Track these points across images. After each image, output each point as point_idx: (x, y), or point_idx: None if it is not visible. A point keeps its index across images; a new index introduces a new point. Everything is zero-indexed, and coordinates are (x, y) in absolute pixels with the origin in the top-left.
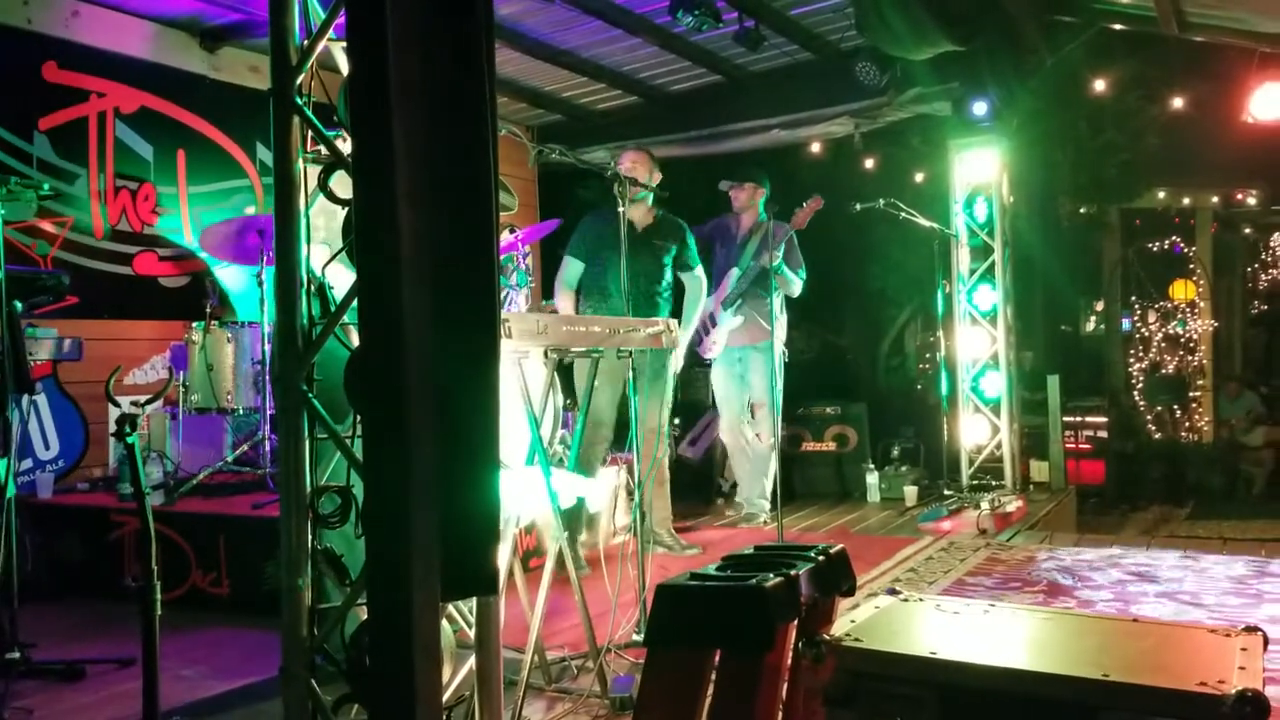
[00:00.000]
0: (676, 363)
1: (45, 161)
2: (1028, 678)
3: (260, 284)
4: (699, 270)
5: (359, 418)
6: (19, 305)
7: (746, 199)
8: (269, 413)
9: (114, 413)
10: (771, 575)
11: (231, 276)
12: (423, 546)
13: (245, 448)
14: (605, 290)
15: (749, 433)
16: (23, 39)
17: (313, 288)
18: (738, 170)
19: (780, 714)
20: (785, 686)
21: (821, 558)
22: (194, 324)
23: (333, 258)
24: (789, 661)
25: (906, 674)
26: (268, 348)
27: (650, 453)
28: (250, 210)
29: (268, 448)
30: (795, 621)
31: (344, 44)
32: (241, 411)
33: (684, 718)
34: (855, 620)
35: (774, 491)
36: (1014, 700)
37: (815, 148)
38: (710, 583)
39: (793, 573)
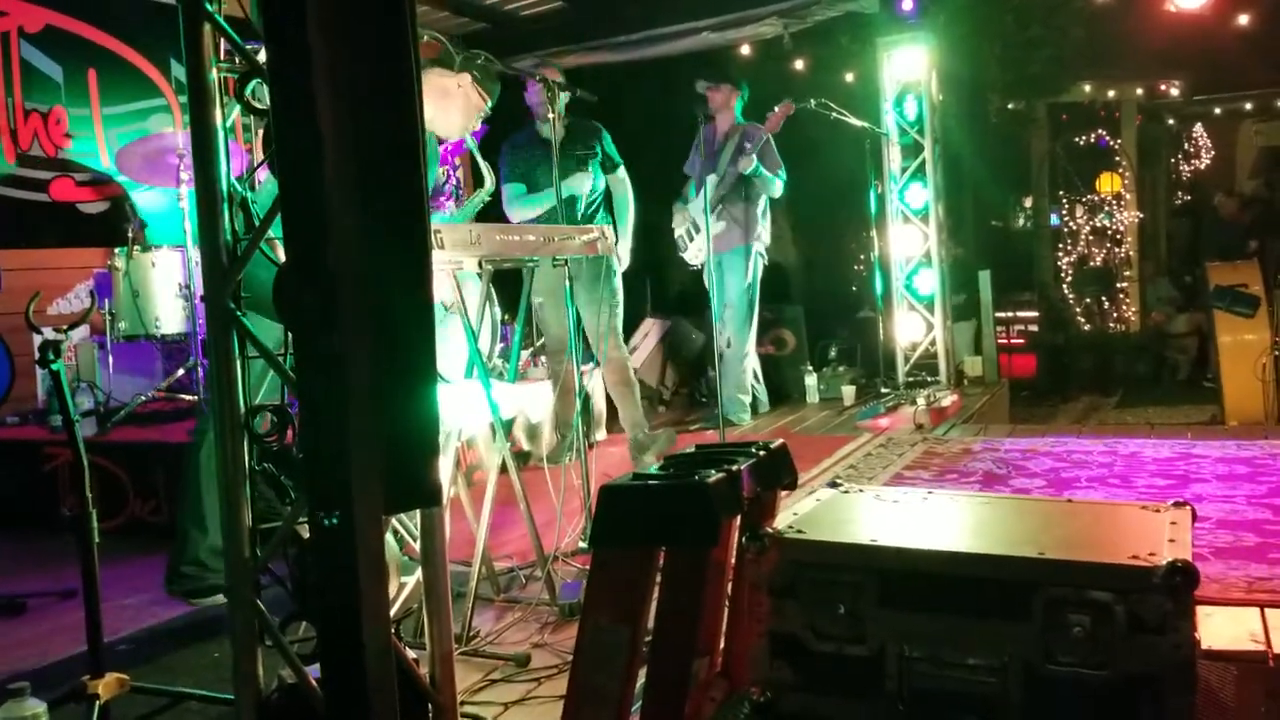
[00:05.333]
0: (621, 266)
1: None
2: (965, 559)
3: (182, 205)
4: (622, 171)
5: (290, 335)
6: None
7: (723, 100)
8: (200, 338)
9: (37, 341)
10: (714, 471)
11: (152, 199)
12: (362, 461)
13: (178, 374)
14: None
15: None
16: None
17: (235, 203)
18: (714, 70)
19: (726, 607)
20: (730, 580)
21: (763, 453)
22: (117, 250)
23: (254, 168)
24: (733, 556)
25: (847, 561)
26: (196, 271)
27: (614, 358)
28: (168, 130)
29: (200, 373)
30: (738, 516)
31: None
32: (171, 336)
33: (631, 615)
34: (797, 513)
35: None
36: (952, 582)
37: (745, 50)
38: (653, 481)
39: (734, 468)
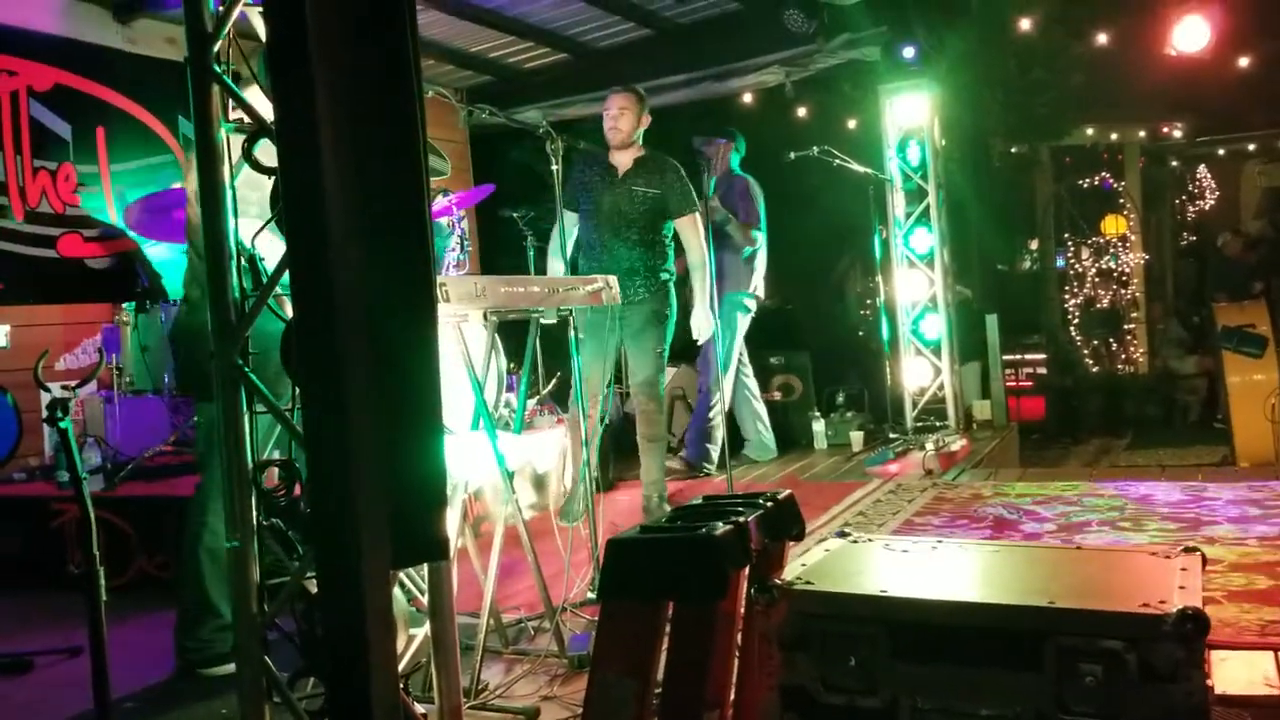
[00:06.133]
0: (699, 328)
1: None
2: (976, 609)
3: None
4: (689, 218)
5: (298, 390)
6: None
7: (719, 154)
8: None
9: (45, 398)
10: (721, 523)
11: (162, 254)
12: (369, 515)
13: (185, 427)
14: (593, 243)
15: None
16: None
17: (243, 260)
18: (707, 125)
19: (735, 660)
20: (739, 633)
21: (770, 504)
22: (125, 305)
23: (262, 227)
24: (742, 608)
25: (857, 613)
26: None
27: (647, 410)
28: (175, 185)
29: None
30: (747, 568)
31: (260, 9)
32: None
33: (641, 668)
34: (805, 564)
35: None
36: (964, 632)
37: (747, 98)
38: (660, 535)
39: (742, 520)
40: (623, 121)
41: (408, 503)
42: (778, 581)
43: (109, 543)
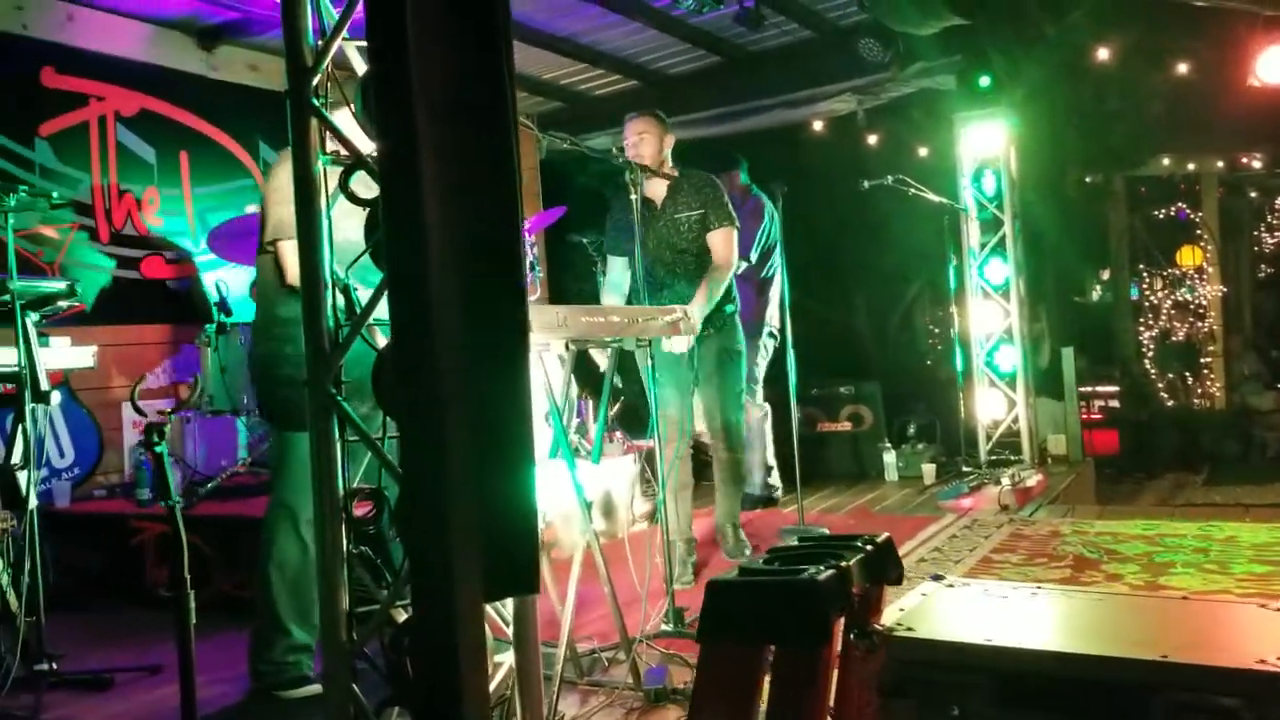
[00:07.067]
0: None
1: (47, 168)
2: (1085, 661)
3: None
4: (724, 231)
5: (388, 418)
6: (34, 317)
7: (732, 182)
8: None
9: (125, 416)
10: (822, 567)
11: (235, 277)
12: (463, 549)
13: (263, 449)
14: (650, 284)
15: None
16: (19, 45)
17: (337, 289)
18: (722, 161)
19: (830, 705)
20: (835, 677)
21: (869, 547)
22: (205, 326)
23: (358, 258)
24: (838, 652)
25: (962, 661)
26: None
27: (725, 459)
28: (251, 209)
29: None
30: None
31: (358, 44)
32: (257, 414)
33: (741, 713)
34: (903, 609)
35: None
36: (1071, 684)
37: (817, 125)
38: (761, 577)
39: (843, 564)
40: (644, 148)
41: (500, 536)
42: (878, 627)
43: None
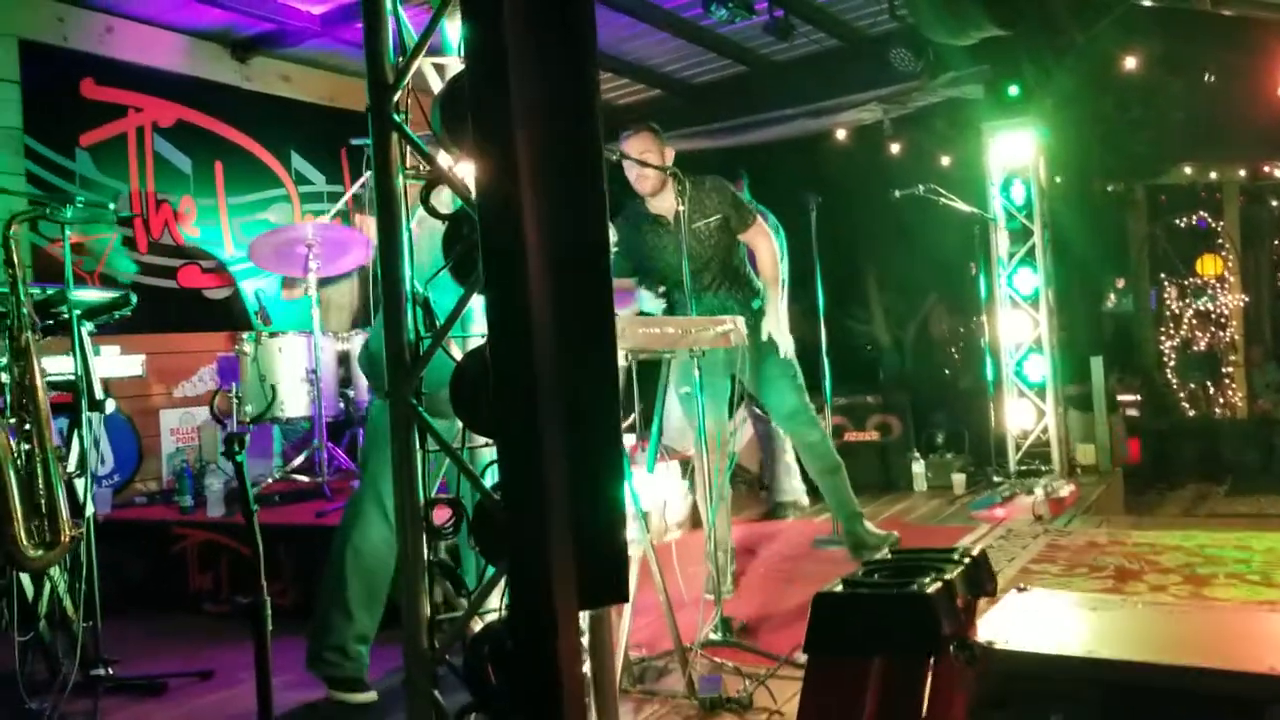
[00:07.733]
0: (785, 345)
1: (87, 178)
2: (1193, 674)
3: (309, 294)
4: (756, 226)
5: (465, 428)
6: (89, 326)
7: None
8: (323, 421)
9: (163, 423)
10: (929, 579)
11: (271, 286)
12: (560, 560)
13: (301, 457)
14: (678, 300)
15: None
16: (60, 57)
17: (416, 303)
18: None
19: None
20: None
21: (967, 559)
22: (245, 335)
23: (437, 272)
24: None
25: (1066, 674)
26: (322, 356)
27: (810, 443)
28: (273, 216)
29: (324, 455)
30: None
31: (434, 60)
32: (294, 420)
33: None
34: (994, 621)
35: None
36: (1177, 697)
37: (840, 135)
38: (869, 589)
39: (948, 576)
40: (650, 164)
41: (594, 546)
42: (979, 640)
43: (230, 569)
